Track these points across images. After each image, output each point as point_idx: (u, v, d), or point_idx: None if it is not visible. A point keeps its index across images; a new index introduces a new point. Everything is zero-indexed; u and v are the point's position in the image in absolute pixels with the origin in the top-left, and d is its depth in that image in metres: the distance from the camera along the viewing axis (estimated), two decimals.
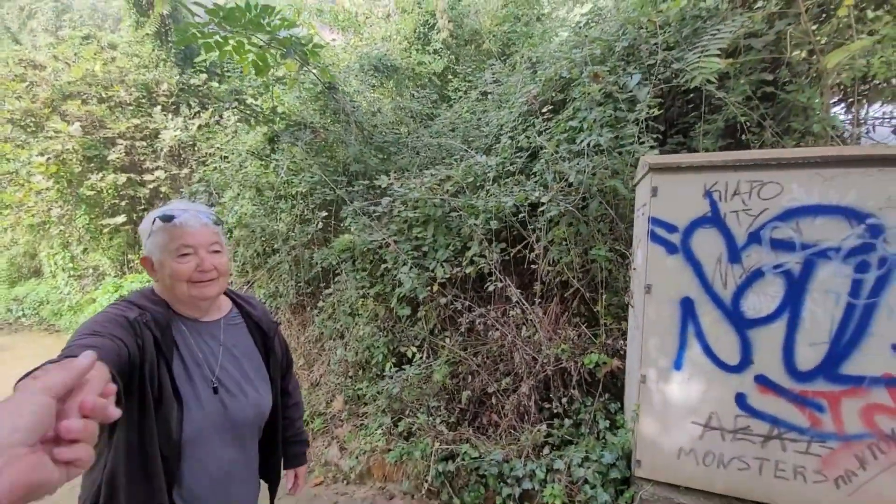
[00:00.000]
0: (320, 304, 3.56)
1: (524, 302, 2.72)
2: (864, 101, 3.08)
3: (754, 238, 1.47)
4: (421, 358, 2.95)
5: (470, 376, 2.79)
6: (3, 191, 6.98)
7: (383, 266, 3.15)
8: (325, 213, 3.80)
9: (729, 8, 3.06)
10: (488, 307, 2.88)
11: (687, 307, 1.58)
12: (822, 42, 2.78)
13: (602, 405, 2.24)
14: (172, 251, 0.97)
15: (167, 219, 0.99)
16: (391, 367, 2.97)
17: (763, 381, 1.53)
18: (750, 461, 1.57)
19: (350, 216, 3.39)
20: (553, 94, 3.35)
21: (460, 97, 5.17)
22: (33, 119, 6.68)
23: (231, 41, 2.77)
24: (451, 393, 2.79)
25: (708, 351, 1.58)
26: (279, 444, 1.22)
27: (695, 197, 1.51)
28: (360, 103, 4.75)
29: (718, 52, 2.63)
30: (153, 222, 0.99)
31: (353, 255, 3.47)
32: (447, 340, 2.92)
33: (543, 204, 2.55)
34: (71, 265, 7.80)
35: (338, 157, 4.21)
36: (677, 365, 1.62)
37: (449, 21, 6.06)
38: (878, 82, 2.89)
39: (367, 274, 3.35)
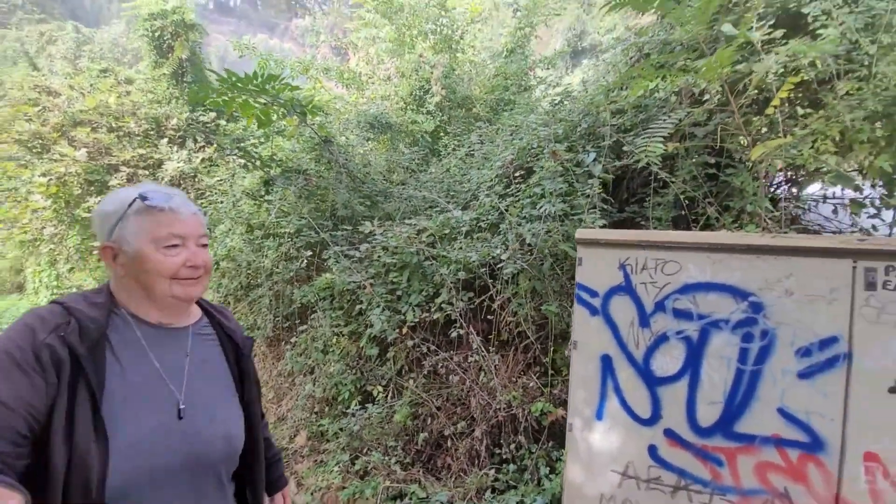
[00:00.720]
0: (293, 339, 3.71)
1: (483, 349, 2.92)
2: (802, 183, 3.50)
3: (660, 307, 1.73)
4: (385, 397, 3.09)
5: (429, 418, 2.92)
6: (0, 206, 7.17)
7: (358, 306, 3.36)
8: (310, 253, 4.04)
9: (677, 101, 3.54)
10: (451, 352, 3.06)
11: (606, 363, 1.80)
12: (753, 134, 3.21)
13: (545, 452, 2.39)
14: (157, 241, 0.82)
15: (154, 200, 0.83)
16: (356, 405, 3.09)
17: (671, 435, 1.73)
18: None
19: (332, 257, 3.63)
20: (525, 161, 3.73)
21: (448, 153, 5.61)
22: (41, 141, 7.00)
23: (238, 100, 3.14)
24: (410, 434, 2.91)
25: (624, 404, 1.79)
26: (259, 491, 1.02)
27: (612, 268, 1.79)
28: (355, 155, 5.14)
29: (663, 139, 3.04)
30: (131, 203, 0.82)
31: (333, 293, 3.68)
32: (411, 382, 3.07)
33: (503, 261, 2.83)
34: (55, 283, 7.84)
35: (328, 202, 4.53)
36: (599, 415, 1.81)
37: (442, 88, 6.66)
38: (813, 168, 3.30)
39: (343, 313, 3.55)
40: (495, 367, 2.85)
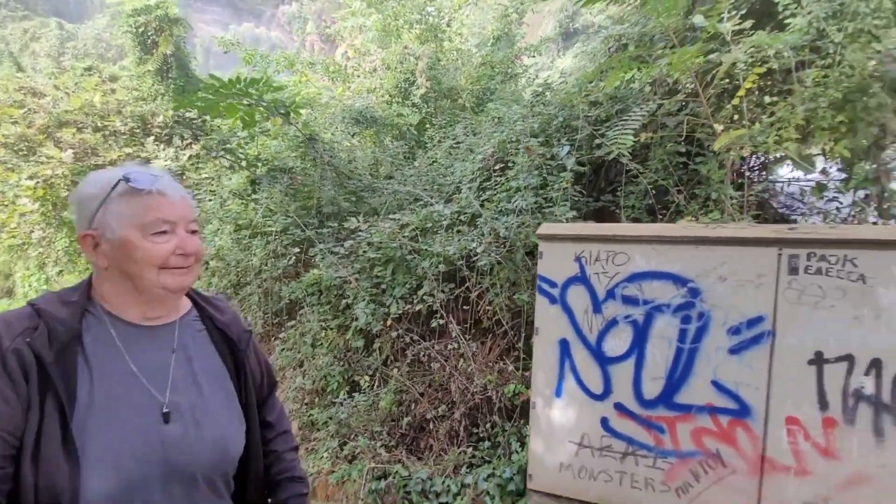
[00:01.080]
0: (283, 335, 3.87)
1: (462, 337, 3.11)
2: (769, 169, 3.71)
3: (611, 294, 1.92)
4: (371, 386, 3.27)
5: (413, 403, 3.11)
6: None
7: (345, 301, 3.52)
8: (297, 250, 4.19)
9: (651, 91, 3.70)
10: (433, 341, 3.25)
11: (564, 347, 2.00)
12: (722, 123, 3.38)
13: (517, 429, 2.60)
14: (144, 226, 0.75)
15: (140, 182, 0.75)
16: (344, 395, 3.27)
17: (620, 408, 1.93)
18: (613, 474, 1.94)
19: (319, 254, 3.79)
20: (505, 154, 3.89)
21: (434, 146, 5.71)
22: (27, 144, 7.00)
23: (222, 104, 3.25)
24: (395, 419, 3.10)
25: (580, 382, 1.99)
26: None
27: (569, 260, 1.97)
28: (340, 151, 5.26)
29: (634, 131, 3.20)
30: (115, 185, 0.75)
31: (320, 289, 3.84)
32: (396, 370, 3.26)
33: (478, 254, 3.01)
34: (45, 287, 7.88)
35: (314, 199, 4.66)
36: (558, 393, 2.01)
37: (427, 79, 6.76)
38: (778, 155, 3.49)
39: (330, 307, 3.71)
40: (473, 353, 3.04)
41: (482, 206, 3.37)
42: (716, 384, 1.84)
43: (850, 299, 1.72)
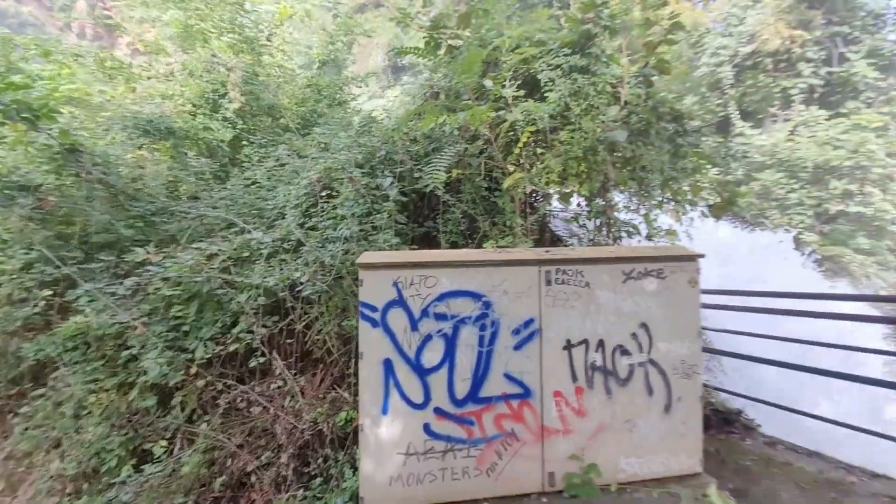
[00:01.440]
0: (24, 409, 2.87)
1: (287, 373, 2.93)
2: (543, 202, 4.71)
3: (425, 313, 2.18)
4: (170, 452, 2.73)
5: (229, 459, 2.74)
6: None
7: (127, 353, 2.86)
8: (48, 293, 3.19)
9: (459, 135, 4.34)
10: (253, 383, 2.95)
11: (388, 366, 2.15)
12: (510, 166, 4.20)
13: (350, 456, 2.60)
14: None
15: None
16: (128, 471, 2.62)
17: (438, 412, 2.19)
18: (437, 473, 2.17)
19: (86, 296, 2.97)
20: (330, 181, 3.90)
21: (253, 165, 5.16)
22: None
23: None
24: (205, 482, 2.66)
25: (403, 396, 2.17)
26: None
27: (387, 286, 2.15)
28: (119, 165, 4.28)
29: (447, 167, 3.69)
30: None
31: (87, 341, 3.00)
32: (205, 425, 2.81)
33: (303, 284, 2.93)
34: None
35: (77, 225, 3.64)
36: (384, 411, 2.14)
37: (242, 94, 6.18)
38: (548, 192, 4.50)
39: (104, 363, 2.94)
40: (301, 388, 2.90)
41: (307, 234, 3.30)
42: (507, 376, 2.30)
43: (582, 300, 2.42)
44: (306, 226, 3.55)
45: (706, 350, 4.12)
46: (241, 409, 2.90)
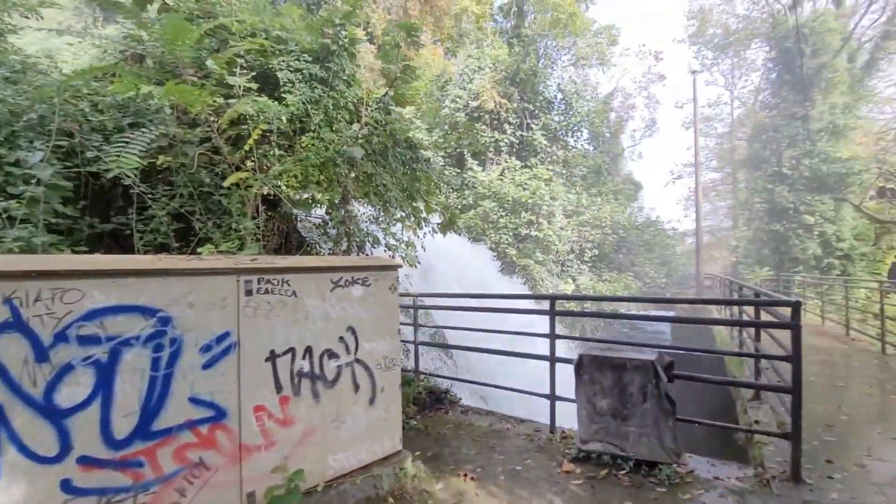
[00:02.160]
0: None
1: None
2: (283, 206, 4.47)
3: (61, 338, 1.73)
4: None
5: None
6: None
7: None
8: None
9: (173, 115, 3.67)
10: None
11: None
12: (235, 163, 3.83)
13: None
14: None
15: None
16: None
17: (85, 461, 1.77)
18: None
19: None
20: None
21: None
22: None
23: None
24: None
25: (25, 451, 1.65)
26: None
27: None
28: None
29: (143, 150, 3.04)
30: None
31: None
32: None
33: None
34: None
35: None
36: None
37: None
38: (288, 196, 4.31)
39: None
40: None
41: None
42: (193, 399, 2.06)
43: (289, 309, 2.42)
44: None
45: (423, 344, 4.84)
46: None
